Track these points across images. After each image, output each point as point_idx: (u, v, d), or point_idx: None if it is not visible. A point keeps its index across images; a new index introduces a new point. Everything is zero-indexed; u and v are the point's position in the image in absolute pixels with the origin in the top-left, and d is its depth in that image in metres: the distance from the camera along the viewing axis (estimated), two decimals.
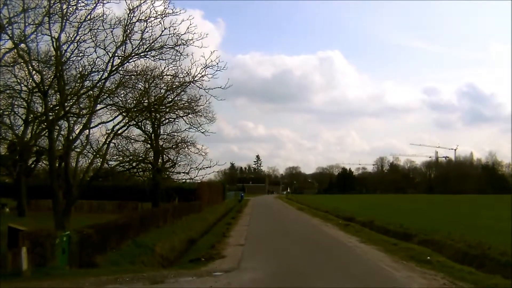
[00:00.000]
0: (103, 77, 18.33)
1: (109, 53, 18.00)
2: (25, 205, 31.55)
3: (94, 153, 21.04)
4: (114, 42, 17.83)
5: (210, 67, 18.50)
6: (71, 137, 18.96)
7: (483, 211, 34.24)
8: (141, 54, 18.44)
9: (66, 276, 11.19)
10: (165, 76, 21.13)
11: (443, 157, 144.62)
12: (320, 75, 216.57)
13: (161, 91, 22.48)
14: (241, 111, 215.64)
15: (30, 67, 18.13)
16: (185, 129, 30.28)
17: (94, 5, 17.22)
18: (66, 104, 18.34)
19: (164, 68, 20.44)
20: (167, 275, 12.00)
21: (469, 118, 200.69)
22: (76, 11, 17.29)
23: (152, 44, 18.21)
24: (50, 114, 18.73)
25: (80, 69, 18.63)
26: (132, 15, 17.65)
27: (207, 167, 24.98)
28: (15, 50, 17.57)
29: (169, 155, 32.02)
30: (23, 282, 10.34)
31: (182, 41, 18.19)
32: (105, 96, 19.64)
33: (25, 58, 17.74)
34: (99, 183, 27.64)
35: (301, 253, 16.15)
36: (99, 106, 19.91)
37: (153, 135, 31.50)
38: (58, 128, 19.96)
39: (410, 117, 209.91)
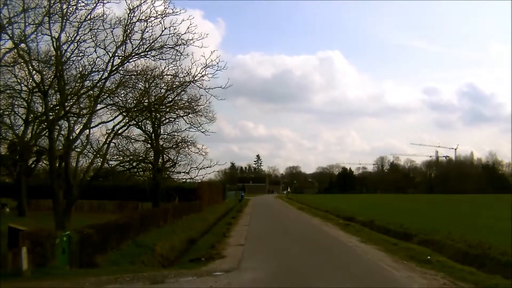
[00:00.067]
0: (103, 77, 18.35)
1: (109, 53, 18.02)
2: (25, 205, 31.57)
3: (95, 153, 21.03)
4: (114, 42, 17.85)
5: (210, 67, 18.54)
6: (71, 137, 18.97)
7: (484, 210, 34.22)
8: (141, 54, 18.44)
9: (66, 276, 11.19)
10: (165, 76, 21.17)
11: (444, 156, 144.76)
12: (320, 75, 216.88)
13: (161, 91, 22.51)
14: (241, 111, 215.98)
15: (30, 67, 18.14)
16: (185, 129, 30.35)
17: (94, 5, 17.25)
18: (66, 104, 18.34)
19: (164, 68, 20.49)
20: (167, 275, 12.00)
21: (469, 118, 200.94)
22: (76, 11, 17.32)
23: (152, 44, 18.21)
24: (50, 114, 18.74)
25: (80, 69, 18.66)
26: (132, 15, 17.67)
27: (207, 167, 25.00)
28: (15, 50, 17.57)
29: (169, 155, 32.06)
30: (23, 282, 10.34)
31: (182, 41, 18.22)
32: (105, 96, 19.64)
33: (25, 58, 17.74)
34: (99, 183, 27.67)
35: (301, 253, 16.15)
36: (99, 106, 19.93)
37: (153, 134, 31.52)
38: (58, 128, 19.97)
39: (410, 117, 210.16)
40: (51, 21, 17.15)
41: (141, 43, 18.09)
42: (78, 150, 21.20)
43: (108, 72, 18.16)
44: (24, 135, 26.77)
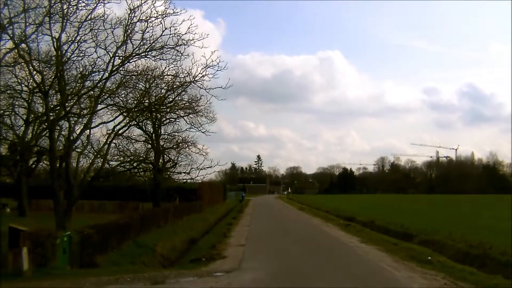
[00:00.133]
0: (103, 77, 18.33)
1: (109, 53, 18.00)
2: (26, 205, 31.58)
3: (95, 153, 21.02)
4: (114, 42, 17.83)
5: (211, 67, 18.51)
6: (72, 137, 18.96)
7: (484, 211, 34.19)
8: (142, 54, 18.43)
9: (67, 276, 11.20)
10: (165, 76, 21.13)
11: (444, 157, 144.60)
12: (320, 75, 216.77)
13: (162, 91, 22.48)
14: (241, 111, 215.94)
15: (30, 67, 18.13)
16: (185, 129, 30.32)
17: (95, 5, 17.23)
18: (66, 104, 18.33)
19: (165, 68, 20.45)
20: (168, 275, 12.00)
21: (469, 118, 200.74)
22: (77, 11, 17.29)
23: (153, 44, 18.19)
24: (51, 114, 18.73)
25: (81, 69, 18.64)
26: (133, 15, 17.65)
27: (208, 167, 24.94)
28: (16, 50, 17.57)
29: (170, 155, 32.06)
30: (24, 282, 10.35)
31: (183, 41, 18.19)
32: (105, 96, 19.63)
33: (25, 58, 17.74)
34: (100, 183, 27.65)
35: (302, 253, 16.14)
36: (99, 106, 19.91)
37: (154, 135, 31.52)
38: (59, 128, 19.96)
39: (410, 117, 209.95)
40: (51, 21, 17.15)
41: (141, 43, 18.08)
42: (79, 150, 21.17)
43: (108, 72, 18.16)
44: (24, 135, 26.78)
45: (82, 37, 17.59)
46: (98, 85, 18.62)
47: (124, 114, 20.58)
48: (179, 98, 24.03)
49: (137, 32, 17.96)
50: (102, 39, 17.77)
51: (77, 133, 19.43)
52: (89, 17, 17.31)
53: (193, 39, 18.04)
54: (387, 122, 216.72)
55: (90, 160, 20.98)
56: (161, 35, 18.01)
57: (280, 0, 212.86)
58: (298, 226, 28.27)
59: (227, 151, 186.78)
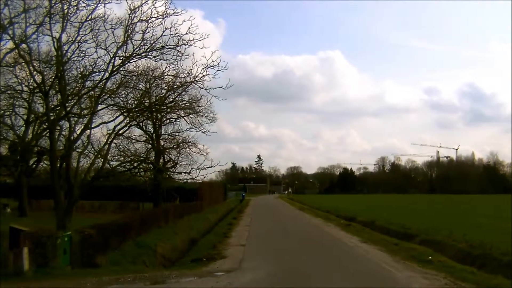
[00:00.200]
0: (104, 78, 18.31)
1: (110, 53, 17.97)
2: (27, 205, 31.60)
3: (96, 153, 21.00)
4: (115, 43, 17.80)
5: (211, 67, 18.46)
6: (72, 138, 18.95)
7: (485, 211, 34.19)
8: (142, 55, 18.40)
9: (68, 276, 11.21)
10: (166, 76, 21.10)
11: (445, 157, 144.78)
12: (320, 75, 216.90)
13: (162, 91, 22.45)
14: (242, 111, 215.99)
15: (31, 68, 18.12)
16: (186, 129, 30.28)
17: (95, 5, 17.21)
18: (67, 104, 18.32)
19: (165, 68, 20.42)
20: (169, 275, 12.01)
21: (469, 118, 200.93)
22: (77, 11, 17.24)
23: (153, 44, 18.16)
24: (51, 114, 18.72)
25: (81, 69, 18.62)
26: (133, 15, 17.61)
27: (208, 167, 24.84)
28: (16, 51, 17.55)
29: (170, 155, 32.05)
30: (24, 282, 10.36)
31: (183, 41, 18.14)
32: (106, 97, 19.60)
33: (26, 58, 17.73)
34: (100, 183, 27.63)
35: (302, 253, 16.14)
36: (100, 107, 19.88)
37: (154, 135, 31.52)
38: (59, 128, 19.96)
39: (410, 117, 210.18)
40: (52, 22, 17.12)
41: (142, 44, 18.06)
42: (79, 150, 21.15)
43: (109, 72, 18.13)
44: (25, 135, 26.79)
45: (83, 37, 17.57)
46: (99, 85, 18.61)
47: (124, 114, 20.56)
48: (180, 98, 24.03)
49: (137, 32, 17.94)
50: (103, 39, 17.75)
51: (78, 133, 19.41)
52: (89, 18, 17.29)
53: (193, 39, 18.01)
54: (387, 122, 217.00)
55: (91, 160, 20.95)
56: (161, 36, 17.99)
57: (281, 0, 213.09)
58: (298, 226, 28.27)
59: (227, 151, 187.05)
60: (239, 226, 27.98)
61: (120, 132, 20.96)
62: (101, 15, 17.34)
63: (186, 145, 30.88)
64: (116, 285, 10.57)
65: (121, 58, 18.11)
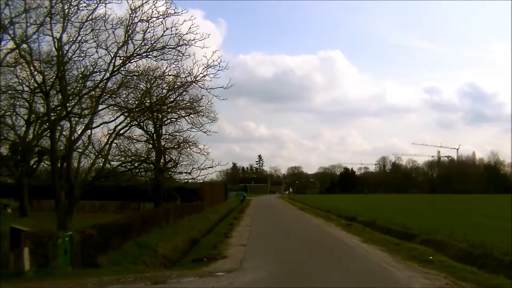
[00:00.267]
0: (105, 78, 18.31)
1: (111, 53, 17.97)
2: (27, 205, 31.61)
3: (96, 154, 21.01)
4: (116, 43, 17.80)
5: (212, 67, 18.47)
6: (73, 138, 18.95)
7: (485, 210, 34.16)
8: (143, 55, 18.40)
9: (68, 277, 11.21)
10: (167, 76, 21.11)
11: (445, 156, 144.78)
12: (321, 75, 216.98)
13: (163, 91, 22.47)
14: (242, 111, 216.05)
15: (32, 68, 18.13)
16: (187, 129, 30.31)
17: (96, 5, 17.21)
18: (68, 104, 18.32)
19: (166, 68, 20.44)
20: (169, 275, 12.01)
21: (470, 117, 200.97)
22: (78, 11, 17.24)
23: (154, 44, 18.16)
24: (52, 114, 18.73)
25: (82, 69, 18.62)
26: (134, 15, 17.61)
27: (209, 167, 24.86)
28: (17, 51, 17.57)
29: (171, 155, 32.06)
30: (25, 282, 10.36)
31: (184, 41, 18.14)
32: (107, 97, 19.61)
33: (26, 58, 17.74)
34: (101, 183, 27.64)
35: (303, 253, 16.13)
36: (101, 107, 19.89)
37: (155, 135, 31.54)
38: (60, 128, 19.95)
39: (411, 117, 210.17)
40: (52, 22, 17.12)
41: (142, 44, 18.05)
42: (80, 150, 21.16)
43: (109, 72, 18.14)
44: (25, 135, 26.83)
45: (83, 37, 17.57)
46: (99, 85, 18.61)
47: (125, 114, 20.56)
48: (180, 98, 24.04)
49: (138, 32, 17.94)
50: (103, 39, 17.75)
51: (78, 133, 19.42)
52: (90, 17, 17.29)
53: (194, 39, 18.00)
54: (388, 121, 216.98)
55: (91, 160, 20.97)
56: (162, 35, 17.99)
57: (281, 0, 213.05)
58: (299, 226, 28.25)
59: (228, 151, 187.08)
60: (240, 226, 27.97)
61: (120, 132, 20.96)
62: (102, 15, 17.36)
63: (187, 145, 30.89)
64: (117, 285, 10.57)
65: (122, 58, 18.11)
